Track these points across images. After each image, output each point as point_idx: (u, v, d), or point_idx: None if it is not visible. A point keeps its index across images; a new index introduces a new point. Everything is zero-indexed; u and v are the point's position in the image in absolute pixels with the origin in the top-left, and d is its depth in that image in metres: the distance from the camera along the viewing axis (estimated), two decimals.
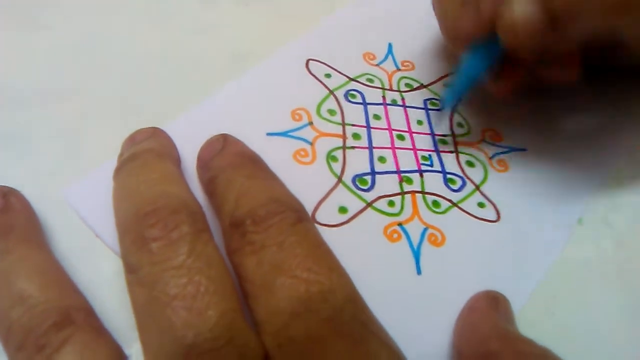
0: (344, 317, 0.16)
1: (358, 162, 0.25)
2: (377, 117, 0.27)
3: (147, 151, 0.20)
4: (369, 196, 0.24)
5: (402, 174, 0.25)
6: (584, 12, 0.21)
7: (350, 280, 0.17)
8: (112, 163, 0.22)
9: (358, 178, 0.24)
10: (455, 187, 0.25)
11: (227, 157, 0.20)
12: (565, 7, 0.21)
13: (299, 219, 0.18)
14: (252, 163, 0.20)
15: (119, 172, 0.20)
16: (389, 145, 0.26)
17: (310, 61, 0.28)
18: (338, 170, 0.24)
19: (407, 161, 0.25)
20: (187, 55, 0.28)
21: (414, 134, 0.26)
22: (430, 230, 0.23)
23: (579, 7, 0.21)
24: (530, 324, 0.21)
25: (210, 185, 0.20)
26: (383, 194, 0.24)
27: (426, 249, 0.22)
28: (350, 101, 0.27)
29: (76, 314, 0.16)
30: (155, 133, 0.22)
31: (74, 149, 0.24)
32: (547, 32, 0.22)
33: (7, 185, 0.21)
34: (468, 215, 0.24)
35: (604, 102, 0.30)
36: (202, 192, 0.21)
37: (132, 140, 0.22)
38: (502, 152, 0.27)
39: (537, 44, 0.23)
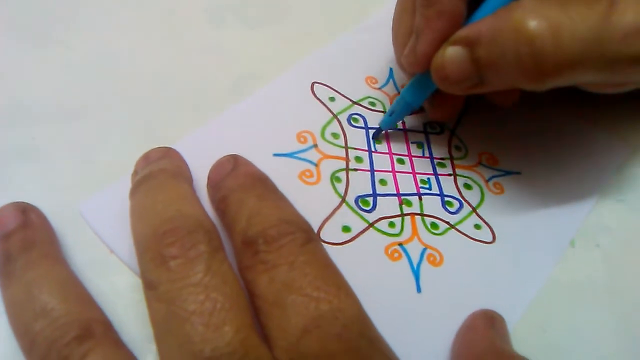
0: (352, 334, 0.17)
1: (360, 184, 0.26)
2: (378, 140, 0.28)
3: (162, 171, 0.21)
4: (371, 217, 0.25)
5: (402, 197, 0.26)
6: (504, 70, 0.21)
7: (357, 299, 0.18)
8: (126, 179, 0.23)
9: (360, 199, 0.25)
10: (452, 209, 0.26)
11: (237, 178, 0.21)
12: (488, 62, 0.22)
13: (308, 240, 0.19)
14: (262, 184, 0.21)
15: (135, 191, 0.21)
16: (390, 169, 0.27)
17: (315, 84, 0.30)
18: (342, 191, 0.25)
19: (407, 184, 0.26)
20: (196, 75, 0.29)
21: (413, 158, 0.28)
22: (429, 251, 0.24)
23: (500, 65, 0.21)
24: (523, 340, 0.22)
25: (221, 205, 0.21)
26: (384, 215, 0.25)
27: (425, 268, 0.23)
28: (352, 125, 0.28)
29: (96, 327, 0.17)
30: (169, 153, 0.23)
31: (88, 165, 0.24)
32: (474, 77, 0.22)
33: (24, 201, 0.21)
34: (465, 237, 0.25)
35: (591, 124, 0.31)
36: (211, 209, 0.22)
37: (146, 159, 0.23)
38: (498, 175, 0.28)
39: (466, 87, 0.23)
